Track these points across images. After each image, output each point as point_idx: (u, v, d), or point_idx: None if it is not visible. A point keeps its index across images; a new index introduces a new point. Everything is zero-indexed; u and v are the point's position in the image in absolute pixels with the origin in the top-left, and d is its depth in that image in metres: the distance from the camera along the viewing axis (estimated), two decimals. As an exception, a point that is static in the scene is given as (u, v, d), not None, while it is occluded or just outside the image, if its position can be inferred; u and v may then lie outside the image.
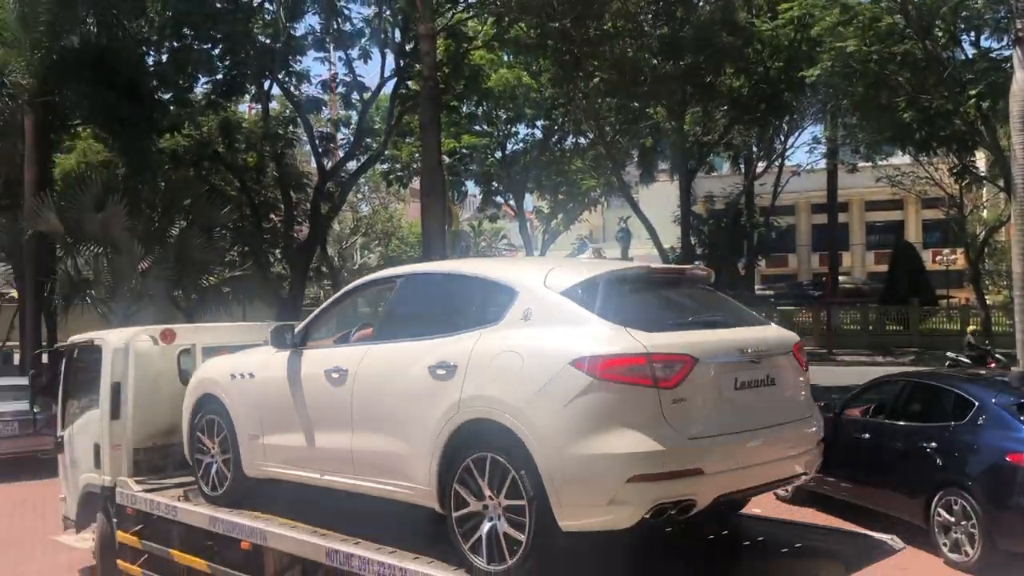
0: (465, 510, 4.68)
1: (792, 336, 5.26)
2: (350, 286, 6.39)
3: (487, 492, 4.59)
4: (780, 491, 11.15)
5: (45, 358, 13.69)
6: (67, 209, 18.92)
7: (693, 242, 28.57)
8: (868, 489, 9.90)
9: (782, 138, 32.45)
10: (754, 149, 33.01)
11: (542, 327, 4.63)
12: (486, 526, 4.59)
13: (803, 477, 5.20)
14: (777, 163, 35.13)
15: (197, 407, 6.84)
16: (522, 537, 4.43)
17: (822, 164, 38.70)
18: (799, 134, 33.06)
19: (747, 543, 5.57)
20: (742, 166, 37.68)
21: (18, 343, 23.48)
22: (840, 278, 43.86)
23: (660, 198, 35.58)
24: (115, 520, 7.82)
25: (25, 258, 20.52)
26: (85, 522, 8.67)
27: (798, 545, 5.48)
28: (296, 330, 6.13)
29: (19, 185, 20.50)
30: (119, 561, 7.80)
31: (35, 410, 12.48)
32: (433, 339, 5.03)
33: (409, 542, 5.10)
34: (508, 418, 4.46)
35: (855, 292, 42.67)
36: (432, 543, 4.98)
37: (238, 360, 6.63)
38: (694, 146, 26.17)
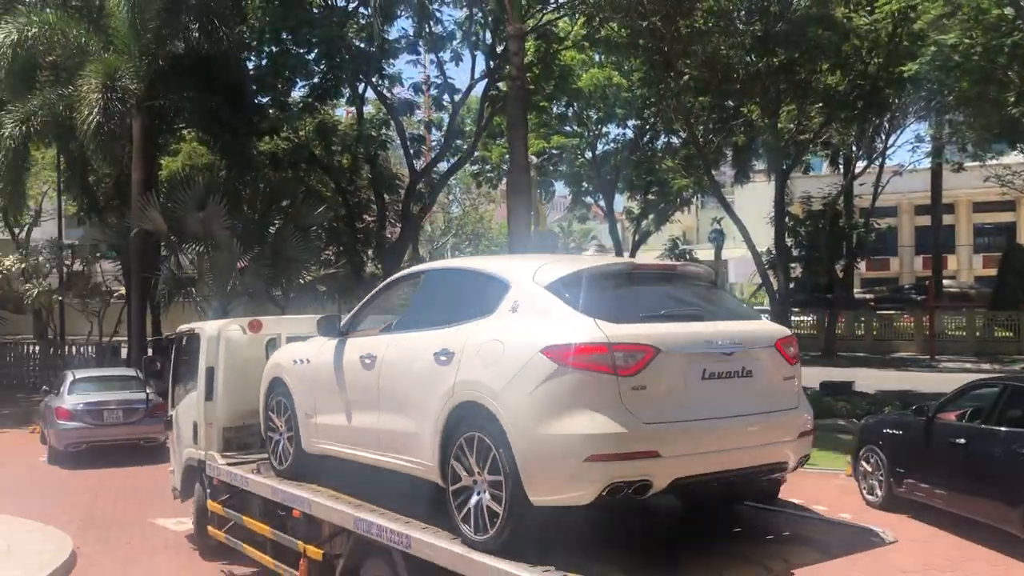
0: (459, 484, 5.14)
1: (777, 331, 5.47)
2: (386, 281, 7.07)
3: (475, 468, 5.01)
4: (870, 496, 10.89)
5: (151, 350, 14.48)
6: (171, 209, 19.80)
7: (789, 243, 27.96)
8: (963, 496, 9.50)
9: (883, 136, 31.31)
10: (853, 148, 31.96)
11: (525, 318, 5.05)
12: (474, 499, 5.02)
13: (785, 466, 5.34)
14: (877, 162, 33.96)
15: (269, 389, 7.50)
16: (500, 510, 4.83)
17: (926, 163, 37.25)
18: (901, 132, 31.77)
19: (738, 530, 5.77)
20: (841, 166, 36.59)
21: (125, 337, 24.64)
22: (944, 282, 42.14)
23: (756, 198, 34.89)
24: (208, 491, 8.70)
25: (132, 255, 21.59)
26: (188, 492, 9.54)
27: (786, 533, 5.64)
28: (343, 320, 6.68)
29: (128, 186, 21.56)
30: (209, 527, 8.77)
31: (148, 392, 13.46)
32: (440, 329, 5.49)
33: (430, 514, 5.53)
34: (490, 401, 4.89)
35: (960, 296, 40.84)
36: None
37: (300, 347, 7.27)
38: (789, 145, 25.52)
